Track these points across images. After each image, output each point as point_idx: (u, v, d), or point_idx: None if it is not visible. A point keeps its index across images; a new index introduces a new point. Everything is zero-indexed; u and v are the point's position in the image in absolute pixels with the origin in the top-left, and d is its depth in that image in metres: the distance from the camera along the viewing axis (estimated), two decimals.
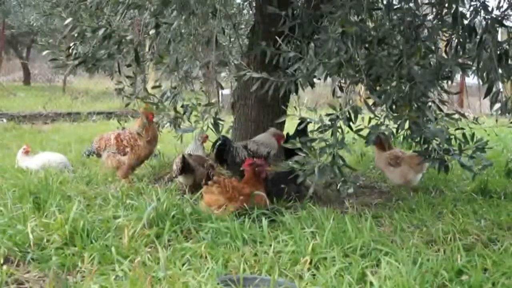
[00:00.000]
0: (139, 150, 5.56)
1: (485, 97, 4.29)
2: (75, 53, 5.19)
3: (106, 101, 16.44)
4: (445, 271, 3.19)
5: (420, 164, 5.18)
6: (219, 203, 4.36)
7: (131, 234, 3.73)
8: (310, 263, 3.32)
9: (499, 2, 4.60)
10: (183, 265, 3.31)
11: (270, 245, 3.55)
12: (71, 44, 5.23)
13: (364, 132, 4.06)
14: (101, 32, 4.97)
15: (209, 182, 4.45)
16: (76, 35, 5.17)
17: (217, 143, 5.43)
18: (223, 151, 5.42)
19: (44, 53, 5.25)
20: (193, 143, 5.65)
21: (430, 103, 4.48)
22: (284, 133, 6.38)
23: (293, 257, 3.42)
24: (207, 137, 5.64)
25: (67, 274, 3.27)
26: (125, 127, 6.34)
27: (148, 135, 5.59)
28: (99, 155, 5.70)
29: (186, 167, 5.05)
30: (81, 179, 5.76)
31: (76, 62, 5.19)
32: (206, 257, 3.44)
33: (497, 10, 4.46)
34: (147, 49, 6.08)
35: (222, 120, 5.18)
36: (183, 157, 5.04)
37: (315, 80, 4.86)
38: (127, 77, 5.59)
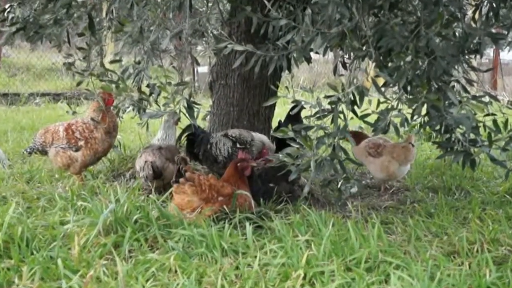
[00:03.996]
0: (96, 144, 5.55)
1: None
2: (12, 18, 5.14)
3: (52, 80, 16.26)
4: None
5: (405, 154, 5.32)
6: (192, 205, 4.38)
7: (82, 243, 3.73)
8: (304, 278, 3.35)
9: None
10: (147, 281, 3.32)
11: (255, 257, 3.57)
12: (7, 6, 5.17)
13: (372, 119, 4.09)
14: None
15: (181, 180, 4.45)
16: None
17: (185, 134, 5.46)
18: (193, 142, 5.45)
19: None
20: (162, 130, 5.65)
21: (453, 83, 4.51)
22: (275, 121, 6.41)
23: (283, 271, 3.44)
24: (178, 119, 5.66)
25: None
26: (76, 111, 6.32)
27: (106, 122, 5.57)
28: (44, 152, 5.67)
29: (158, 171, 5.10)
30: (20, 176, 5.74)
31: (14, 29, 5.13)
32: (176, 271, 3.46)
33: None
34: (104, 14, 6.05)
35: (198, 104, 5.18)
36: (152, 165, 5.08)
37: (312, 54, 4.88)
38: (79, 49, 5.55)
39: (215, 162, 5.52)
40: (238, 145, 5.39)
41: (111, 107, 5.73)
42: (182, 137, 5.59)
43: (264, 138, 5.69)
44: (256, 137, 5.56)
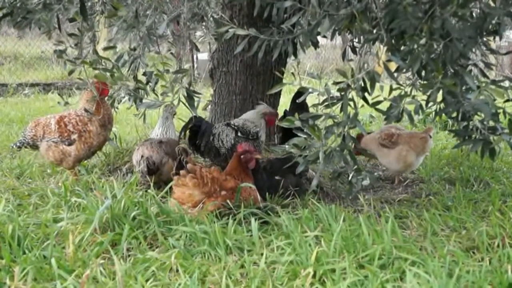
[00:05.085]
0: (90, 138, 5.56)
1: None
2: None
3: (42, 69, 16.30)
4: (491, 286, 3.25)
5: (423, 145, 5.34)
6: (194, 199, 4.40)
7: (77, 242, 3.75)
8: (314, 276, 3.36)
9: None
10: (147, 281, 3.34)
11: (262, 254, 3.59)
12: None
13: (384, 106, 4.09)
14: None
15: (182, 172, 4.47)
16: None
17: (189, 125, 5.48)
18: (196, 134, 5.47)
19: None
20: (160, 122, 5.66)
21: (471, 67, 4.50)
22: (280, 111, 6.40)
23: (292, 269, 3.45)
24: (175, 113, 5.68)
25: None
26: (68, 102, 6.34)
27: (101, 114, 5.58)
28: (35, 146, 5.69)
29: (152, 168, 5.13)
30: (9, 172, 5.76)
31: (0, 14, 5.14)
32: (177, 270, 3.48)
33: None
34: None
35: (198, 93, 5.19)
36: (148, 160, 5.11)
37: (319, 38, 4.87)
38: (70, 35, 5.55)
39: (217, 154, 5.54)
40: (239, 134, 5.40)
41: (106, 98, 5.74)
42: (186, 129, 5.61)
43: (260, 108, 5.66)
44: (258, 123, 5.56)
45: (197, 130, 5.56)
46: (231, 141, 5.47)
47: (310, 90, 4.29)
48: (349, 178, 4.36)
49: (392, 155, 5.60)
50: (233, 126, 5.51)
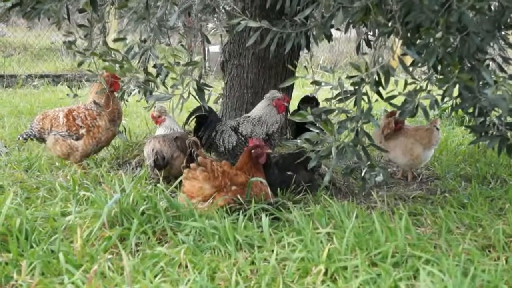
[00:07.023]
0: (99, 133, 5.58)
1: None
2: None
3: (51, 60, 16.37)
4: (507, 286, 3.23)
5: (429, 137, 5.31)
6: (204, 194, 4.40)
7: (85, 236, 3.77)
8: (325, 273, 3.36)
9: None
10: (155, 276, 3.34)
11: (272, 251, 3.60)
12: None
13: (399, 101, 4.07)
14: None
15: (192, 165, 4.46)
16: None
17: (196, 114, 5.47)
18: (201, 125, 5.47)
19: None
20: (168, 119, 5.67)
21: (488, 62, 4.47)
22: (293, 104, 6.38)
23: (303, 266, 3.45)
24: (159, 117, 5.67)
25: None
26: (78, 94, 6.36)
27: (110, 107, 5.58)
28: (42, 139, 5.70)
29: (159, 163, 5.13)
30: (17, 164, 5.78)
31: (9, 4, 5.14)
32: (186, 266, 3.48)
33: None
34: None
35: (209, 86, 5.19)
36: (157, 154, 5.12)
37: (333, 31, 4.86)
38: (80, 26, 5.57)
39: (217, 150, 5.53)
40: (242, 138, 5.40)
41: (116, 90, 5.75)
42: (191, 118, 5.61)
43: (268, 95, 5.60)
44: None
45: (203, 122, 5.55)
46: (232, 143, 5.45)
47: (323, 84, 4.28)
48: (362, 174, 4.34)
49: (398, 148, 5.59)
50: (240, 135, 5.47)
